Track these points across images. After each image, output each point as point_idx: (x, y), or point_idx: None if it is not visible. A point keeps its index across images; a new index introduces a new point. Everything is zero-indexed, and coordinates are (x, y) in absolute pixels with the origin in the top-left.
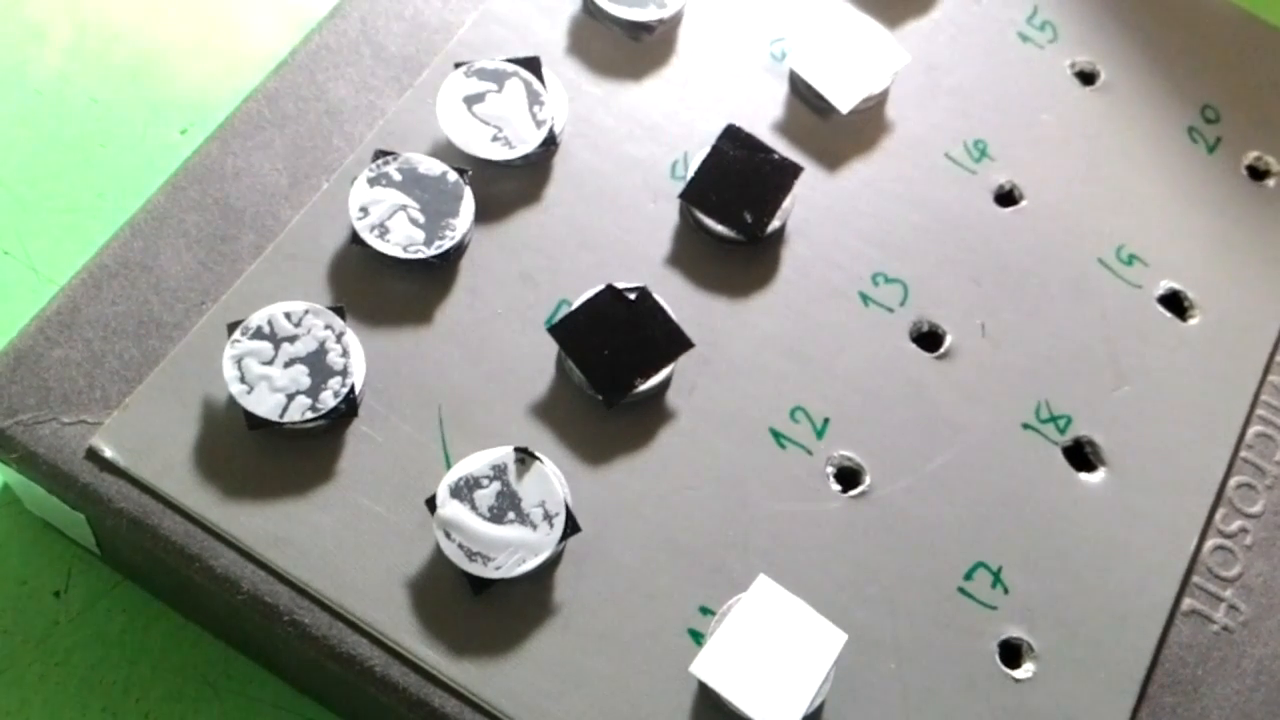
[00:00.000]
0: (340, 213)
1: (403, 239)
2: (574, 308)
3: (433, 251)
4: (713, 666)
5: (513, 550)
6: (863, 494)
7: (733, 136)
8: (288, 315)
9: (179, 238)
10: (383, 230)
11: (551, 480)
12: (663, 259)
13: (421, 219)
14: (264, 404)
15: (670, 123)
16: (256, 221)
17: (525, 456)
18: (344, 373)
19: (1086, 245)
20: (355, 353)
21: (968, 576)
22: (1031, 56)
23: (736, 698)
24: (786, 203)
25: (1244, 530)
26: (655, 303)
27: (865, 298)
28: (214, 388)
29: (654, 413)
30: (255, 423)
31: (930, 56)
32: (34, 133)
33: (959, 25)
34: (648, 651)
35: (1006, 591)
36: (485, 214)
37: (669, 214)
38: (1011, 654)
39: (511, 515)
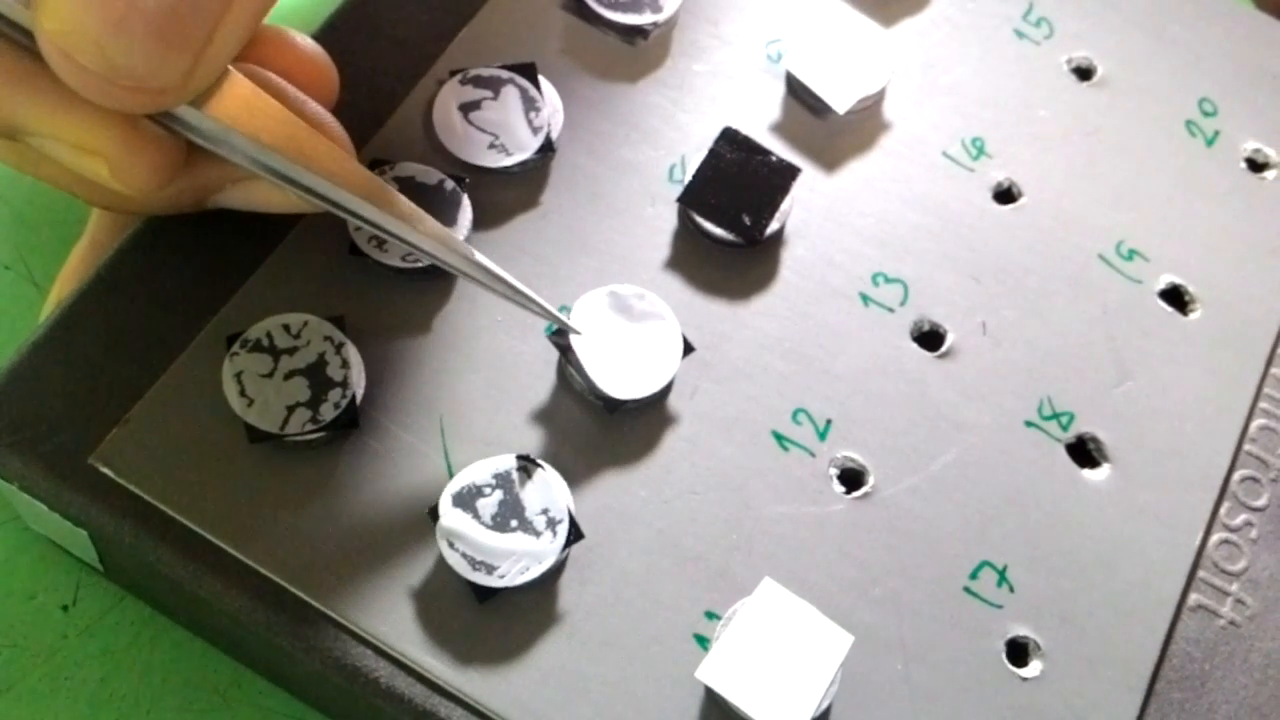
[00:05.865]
0: (338, 223)
1: (401, 249)
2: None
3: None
4: (719, 671)
5: (516, 558)
6: (866, 495)
7: (730, 139)
8: (287, 327)
9: (177, 251)
10: (380, 241)
11: (554, 487)
12: (662, 263)
13: None
14: (264, 417)
15: (667, 126)
16: (254, 233)
17: (527, 464)
18: (344, 384)
19: (1086, 241)
20: (355, 364)
21: (973, 576)
22: (1027, 53)
23: (743, 702)
24: (785, 204)
25: (1249, 524)
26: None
27: (865, 298)
28: (214, 401)
29: (655, 417)
30: (256, 436)
31: (926, 55)
32: None
33: (954, 23)
34: (653, 657)
35: (1012, 590)
36: (483, 221)
37: (667, 218)
38: (1018, 653)
39: (514, 523)
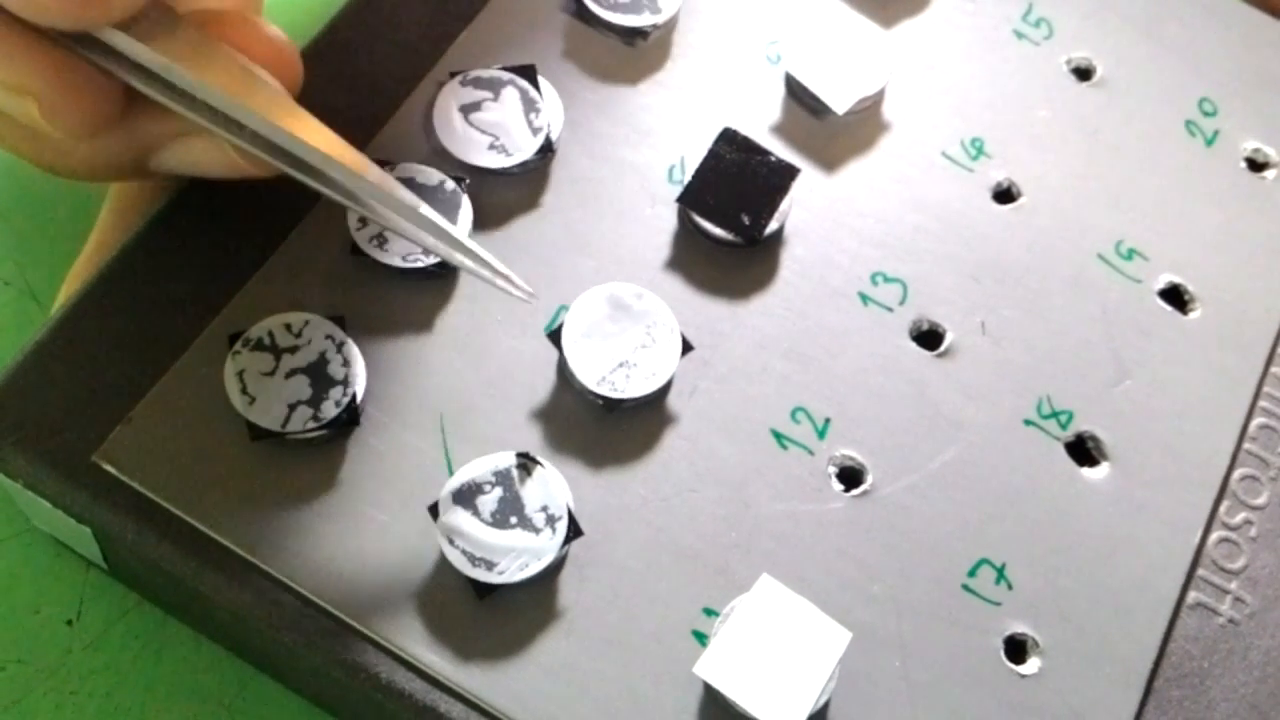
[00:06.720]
0: (339, 223)
1: (401, 248)
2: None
3: (431, 260)
4: (717, 667)
5: (516, 555)
6: (865, 493)
7: (729, 139)
8: (288, 326)
9: (179, 250)
10: (381, 240)
11: (553, 485)
12: (661, 263)
13: None
14: (266, 415)
15: (666, 127)
16: (256, 233)
17: (527, 461)
18: (345, 382)
19: (1086, 241)
20: (356, 362)
21: (971, 573)
22: (1027, 53)
23: (741, 698)
24: (784, 204)
25: (1248, 522)
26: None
27: (865, 297)
28: (216, 400)
29: (655, 416)
30: (258, 434)
31: (926, 56)
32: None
33: (954, 24)
34: (652, 654)
35: (1010, 588)
36: (483, 222)
37: (667, 218)
38: (1017, 650)
39: (514, 520)
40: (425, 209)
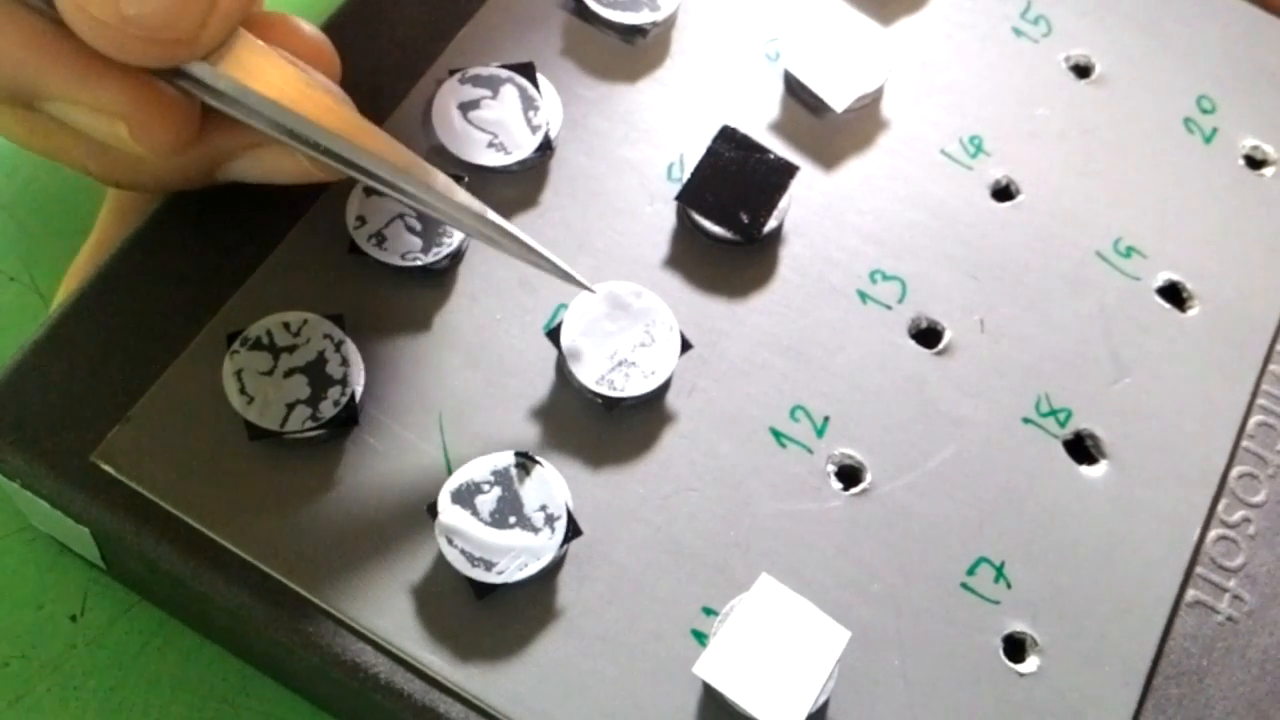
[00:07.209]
0: (338, 222)
1: (400, 247)
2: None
3: (430, 259)
4: (716, 666)
5: (515, 555)
6: (864, 491)
7: (728, 137)
8: (286, 325)
9: (178, 250)
10: (380, 239)
11: (552, 484)
12: (660, 261)
13: (419, 226)
14: (264, 414)
15: (665, 125)
16: (255, 232)
17: (526, 461)
18: (344, 381)
19: (1084, 238)
20: (354, 361)
21: (970, 572)
22: (1026, 51)
23: (740, 697)
24: (783, 202)
25: (1247, 520)
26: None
27: (863, 295)
28: (214, 399)
29: (654, 414)
30: (256, 433)
31: (925, 53)
32: (36, 160)
33: (953, 21)
34: (652, 653)
35: (1009, 586)
36: None
37: (666, 216)
38: (1016, 648)
39: (513, 520)
40: (491, 214)
